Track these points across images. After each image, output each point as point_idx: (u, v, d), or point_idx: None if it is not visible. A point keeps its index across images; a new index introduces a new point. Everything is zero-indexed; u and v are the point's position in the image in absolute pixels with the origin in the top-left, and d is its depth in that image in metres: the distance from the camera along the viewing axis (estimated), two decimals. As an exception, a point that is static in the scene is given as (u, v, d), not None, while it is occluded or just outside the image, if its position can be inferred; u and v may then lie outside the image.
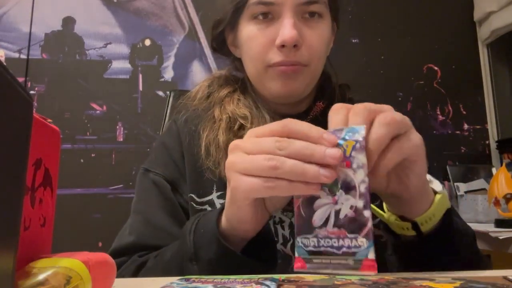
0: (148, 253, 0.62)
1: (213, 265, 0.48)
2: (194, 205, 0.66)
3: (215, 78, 0.77)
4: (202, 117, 0.70)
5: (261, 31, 0.63)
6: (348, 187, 0.39)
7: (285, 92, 0.64)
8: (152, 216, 0.65)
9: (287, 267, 0.61)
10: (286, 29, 0.60)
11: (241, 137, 0.62)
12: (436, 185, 0.51)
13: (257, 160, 0.41)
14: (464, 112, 2.19)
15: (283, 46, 0.61)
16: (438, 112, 2.18)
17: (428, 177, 0.51)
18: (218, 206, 0.64)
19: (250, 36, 0.64)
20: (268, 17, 0.63)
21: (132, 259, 0.62)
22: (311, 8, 0.62)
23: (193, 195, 0.66)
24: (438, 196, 0.49)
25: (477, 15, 2.21)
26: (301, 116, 0.66)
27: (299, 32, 0.61)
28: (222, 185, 0.64)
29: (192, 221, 0.53)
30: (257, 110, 0.67)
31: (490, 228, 1.05)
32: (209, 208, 0.65)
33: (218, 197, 0.65)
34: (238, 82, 0.74)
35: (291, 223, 0.63)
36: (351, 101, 0.72)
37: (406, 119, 0.44)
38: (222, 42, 0.73)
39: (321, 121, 0.66)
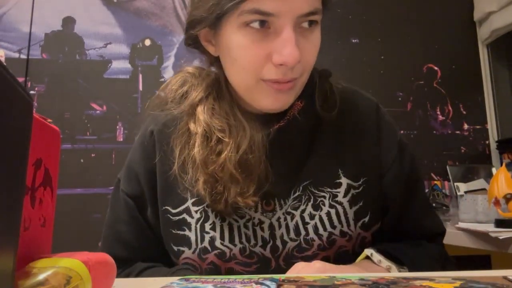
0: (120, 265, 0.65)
1: None
2: (170, 216, 0.64)
3: (188, 75, 0.69)
4: (175, 127, 0.65)
5: (256, 43, 0.55)
6: None
7: (276, 107, 0.60)
8: (121, 231, 0.68)
9: (267, 269, 0.61)
10: (288, 48, 0.53)
11: (219, 152, 0.59)
12: (393, 269, 0.58)
13: None
14: (464, 112, 2.19)
15: (281, 64, 0.55)
16: (438, 112, 2.18)
17: (386, 264, 0.59)
18: (193, 213, 0.63)
19: (241, 45, 0.56)
20: (264, 26, 0.54)
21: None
22: (310, 18, 0.56)
23: (168, 207, 0.65)
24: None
25: (477, 15, 2.21)
26: (279, 116, 0.63)
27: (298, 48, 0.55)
28: (199, 198, 0.63)
29: None
30: (234, 119, 0.62)
31: (490, 228, 1.05)
32: (186, 216, 0.63)
33: (193, 203, 0.63)
34: (212, 82, 0.67)
35: (271, 224, 0.62)
36: (333, 92, 0.68)
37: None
38: (195, 38, 0.65)
39: (299, 120, 0.64)
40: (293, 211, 0.62)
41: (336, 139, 0.66)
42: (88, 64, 2.00)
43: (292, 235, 0.61)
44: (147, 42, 2.05)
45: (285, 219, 0.62)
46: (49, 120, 0.36)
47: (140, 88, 2.02)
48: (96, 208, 1.87)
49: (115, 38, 2.03)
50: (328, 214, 0.62)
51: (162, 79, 2.03)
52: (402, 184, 0.67)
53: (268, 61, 0.56)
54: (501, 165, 1.46)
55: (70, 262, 0.30)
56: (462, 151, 2.16)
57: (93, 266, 0.32)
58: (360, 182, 0.64)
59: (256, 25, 0.54)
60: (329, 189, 0.63)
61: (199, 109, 0.63)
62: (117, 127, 1.97)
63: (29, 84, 1.93)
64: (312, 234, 0.61)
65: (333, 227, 0.61)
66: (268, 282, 0.37)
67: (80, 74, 1.98)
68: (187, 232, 0.63)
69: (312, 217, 0.62)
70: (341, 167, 0.64)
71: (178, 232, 0.63)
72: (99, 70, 2.00)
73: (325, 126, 0.66)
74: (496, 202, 1.05)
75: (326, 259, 0.61)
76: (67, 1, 2.03)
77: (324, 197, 0.63)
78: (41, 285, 0.27)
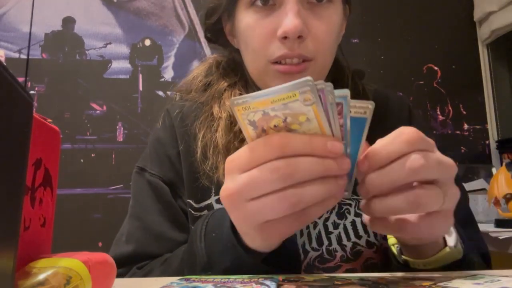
0: (148, 263, 0.59)
1: (229, 272, 0.43)
2: (192, 211, 0.61)
3: (214, 65, 0.69)
4: (198, 113, 0.63)
5: (261, 21, 0.55)
6: None
7: None
8: (151, 222, 0.60)
9: None
10: (288, 18, 0.52)
11: (242, 139, 0.57)
12: (451, 239, 0.47)
13: (272, 201, 0.36)
14: (464, 112, 2.19)
15: (285, 37, 0.53)
16: (438, 112, 2.18)
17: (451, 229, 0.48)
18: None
19: (249, 26, 0.57)
20: (268, 3, 0.55)
21: (131, 272, 0.59)
22: None
23: (190, 201, 0.61)
24: (446, 250, 0.46)
25: (477, 15, 2.20)
26: None
27: (304, 21, 0.53)
28: (220, 188, 0.62)
29: (201, 224, 0.48)
30: None
31: (490, 228, 1.05)
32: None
33: (217, 201, 0.60)
34: (238, 72, 0.66)
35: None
36: (364, 91, 0.66)
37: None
38: (218, 32, 0.66)
39: None
40: (316, 219, 0.59)
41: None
42: (88, 64, 2.00)
43: (314, 244, 0.58)
44: (147, 42, 2.05)
45: (307, 227, 0.59)
46: (49, 120, 0.36)
47: (140, 88, 2.02)
48: (96, 208, 1.87)
49: (115, 38, 2.03)
50: (353, 223, 0.59)
51: (162, 79, 2.03)
52: None
53: (274, 38, 0.55)
54: (501, 165, 1.46)
55: (70, 262, 0.30)
56: (462, 151, 2.15)
57: (93, 266, 0.31)
58: None
59: (259, 3, 0.55)
60: (355, 196, 0.59)
61: (226, 95, 0.63)
62: (117, 127, 1.97)
63: (29, 84, 1.93)
64: (335, 245, 0.58)
65: (358, 237, 0.58)
66: (268, 282, 0.37)
67: (80, 74, 1.98)
68: None
69: (336, 226, 0.59)
70: None
71: None
72: (99, 70, 2.00)
73: None
74: (496, 202, 1.06)
75: (352, 271, 0.58)
76: (67, 1, 2.03)
77: (350, 205, 0.60)
78: (41, 285, 0.27)
